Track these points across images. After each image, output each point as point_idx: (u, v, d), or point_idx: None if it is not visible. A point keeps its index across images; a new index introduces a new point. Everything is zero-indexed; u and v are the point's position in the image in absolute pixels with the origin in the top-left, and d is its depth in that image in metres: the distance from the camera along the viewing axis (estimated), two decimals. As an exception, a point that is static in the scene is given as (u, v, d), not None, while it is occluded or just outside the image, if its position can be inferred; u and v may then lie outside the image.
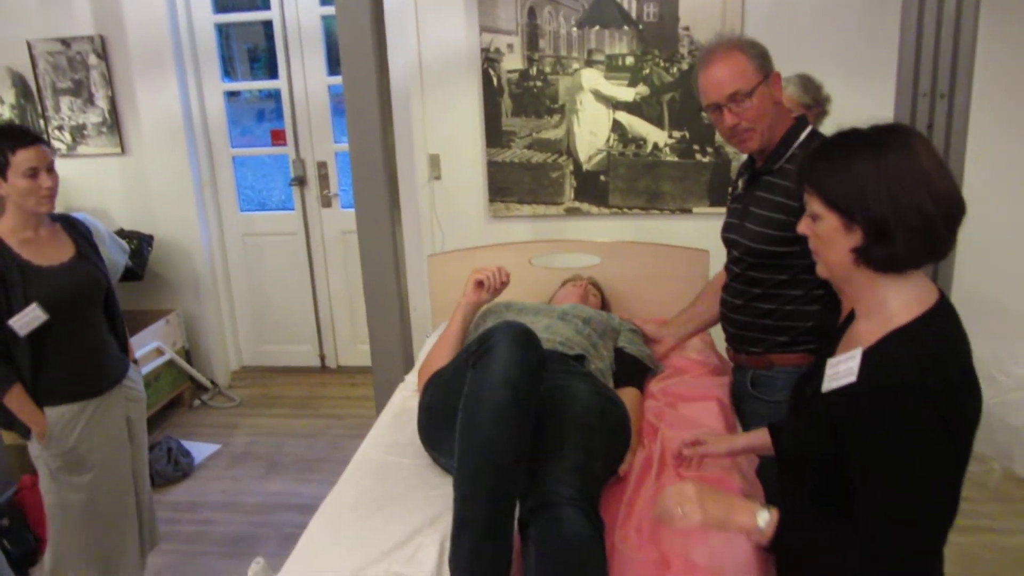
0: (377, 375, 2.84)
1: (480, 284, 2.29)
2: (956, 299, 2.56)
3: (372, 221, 2.70)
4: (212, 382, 4.73)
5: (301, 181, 4.61)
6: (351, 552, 1.61)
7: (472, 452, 1.53)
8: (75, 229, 2.51)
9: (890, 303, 1.29)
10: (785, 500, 1.56)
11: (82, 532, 2.53)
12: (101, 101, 4.38)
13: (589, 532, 1.50)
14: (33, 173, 2.25)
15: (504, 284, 2.34)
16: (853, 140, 1.31)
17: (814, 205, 1.31)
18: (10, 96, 4.43)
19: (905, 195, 1.23)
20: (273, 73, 4.52)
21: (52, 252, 2.40)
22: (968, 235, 2.61)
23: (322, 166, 4.57)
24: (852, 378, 1.28)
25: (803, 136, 2.02)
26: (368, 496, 1.83)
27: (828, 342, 1.50)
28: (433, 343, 2.72)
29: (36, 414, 2.38)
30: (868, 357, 1.28)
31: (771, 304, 2.03)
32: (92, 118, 4.40)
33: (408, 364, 2.82)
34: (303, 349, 4.97)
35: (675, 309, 2.74)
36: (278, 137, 4.60)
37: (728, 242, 2.20)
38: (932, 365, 1.22)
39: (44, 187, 2.27)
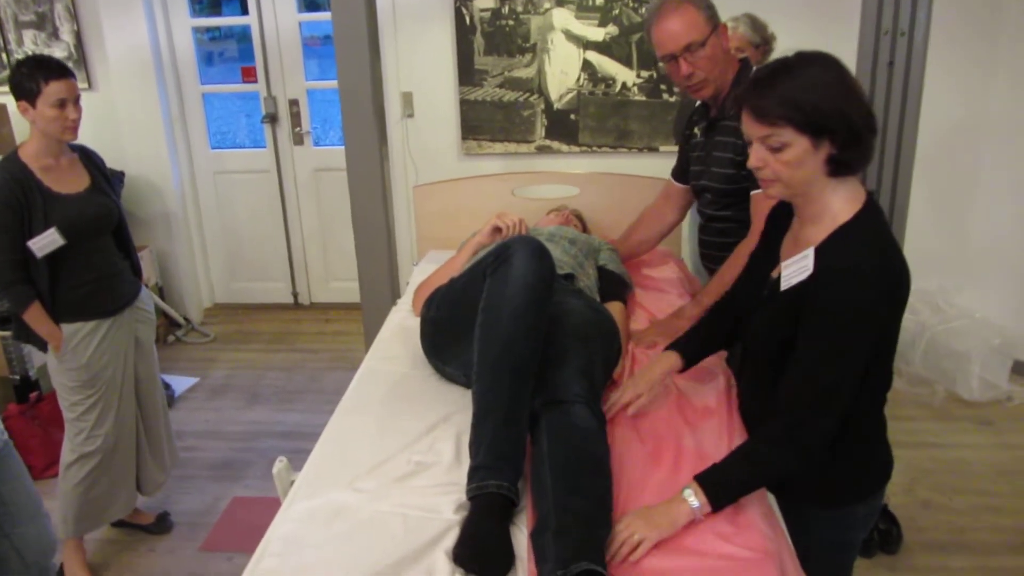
0: (365, 304, 2.95)
1: (498, 231, 2.35)
2: (911, 235, 2.77)
3: (361, 156, 2.78)
4: (185, 318, 4.78)
5: (273, 119, 4.63)
6: (372, 446, 1.74)
7: (493, 348, 1.67)
8: (90, 160, 2.63)
9: (833, 205, 1.48)
10: (744, 387, 1.80)
11: (95, 438, 2.68)
12: (66, 35, 4.33)
13: (595, 424, 1.66)
14: (61, 104, 2.37)
15: None
16: (811, 64, 1.44)
17: (784, 135, 1.42)
18: (-29, 28, 4.35)
19: (864, 104, 1.42)
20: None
21: (70, 180, 2.52)
22: (924, 173, 2.80)
23: (294, 104, 4.59)
24: (809, 271, 1.47)
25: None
26: (380, 400, 1.96)
27: (766, 248, 1.69)
28: (421, 269, 2.84)
29: (53, 329, 2.52)
30: (821, 252, 1.47)
31: (741, 237, 2.19)
32: (57, 52, 4.35)
33: (395, 293, 2.93)
34: (276, 286, 5.04)
35: (650, 237, 2.90)
36: (248, 74, 4.60)
37: (699, 188, 2.35)
38: (878, 252, 1.43)
39: (70, 118, 2.40)
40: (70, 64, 4.31)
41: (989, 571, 2.67)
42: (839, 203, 1.48)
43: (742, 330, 1.75)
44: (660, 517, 1.47)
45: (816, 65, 1.43)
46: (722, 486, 1.49)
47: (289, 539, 1.47)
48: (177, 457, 3.12)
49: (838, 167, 1.45)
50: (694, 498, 1.47)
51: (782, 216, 1.66)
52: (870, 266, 1.40)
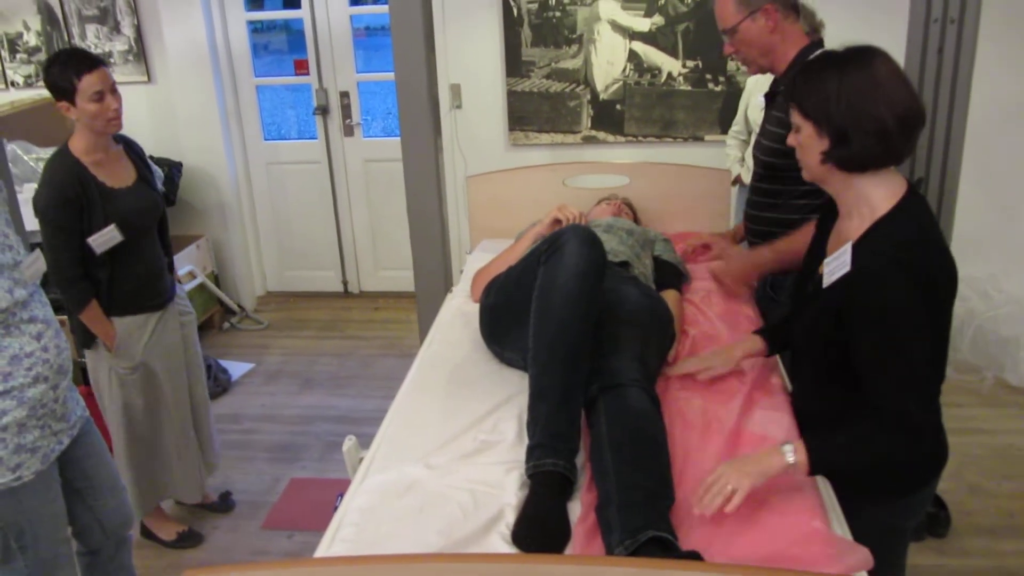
0: (420, 292, 3.03)
1: (558, 223, 2.39)
2: (959, 221, 2.78)
3: (416, 147, 2.86)
4: (239, 306, 4.92)
5: (324, 110, 4.74)
6: (438, 424, 1.82)
7: (548, 331, 1.74)
8: (133, 150, 2.63)
9: (870, 198, 1.50)
10: (796, 385, 1.82)
11: (145, 437, 2.75)
12: (127, 29, 4.47)
13: (651, 405, 1.73)
14: (99, 96, 2.34)
15: None
16: (826, 60, 1.51)
17: (795, 117, 1.52)
18: (36, 23, 4.51)
19: (861, 105, 1.43)
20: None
21: (120, 174, 2.53)
22: (972, 158, 2.80)
23: (344, 96, 4.70)
24: (847, 268, 1.49)
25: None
26: (443, 382, 2.04)
27: (815, 243, 1.72)
28: (475, 258, 2.91)
29: (108, 328, 2.56)
30: (858, 247, 1.49)
31: (781, 213, 2.25)
32: (118, 46, 4.50)
33: (448, 282, 3.01)
34: (326, 275, 5.16)
35: (699, 225, 2.95)
36: (300, 67, 4.71)
37: (753, 158, 2.41)
38: (911, 247, 1.44)
39: (111, 108, 2.38)
40: (130, 58, 4.48)
41: (1038, 555, 2.70)
42: (877, 196, 1.49)
43: (791, 327, 1.77)
44: (751, 466, 1.45)
45: (846, 62, 1.47)
46: (825, 453, 1.44)
47: (365, 510, 1.56)
48: (219, 453, 3.16)
49: (829, 159, 1.48)
50: (792, 455, 1.43)
51: (831, 213, 1.67)
52: (906, 259, 1.41)
